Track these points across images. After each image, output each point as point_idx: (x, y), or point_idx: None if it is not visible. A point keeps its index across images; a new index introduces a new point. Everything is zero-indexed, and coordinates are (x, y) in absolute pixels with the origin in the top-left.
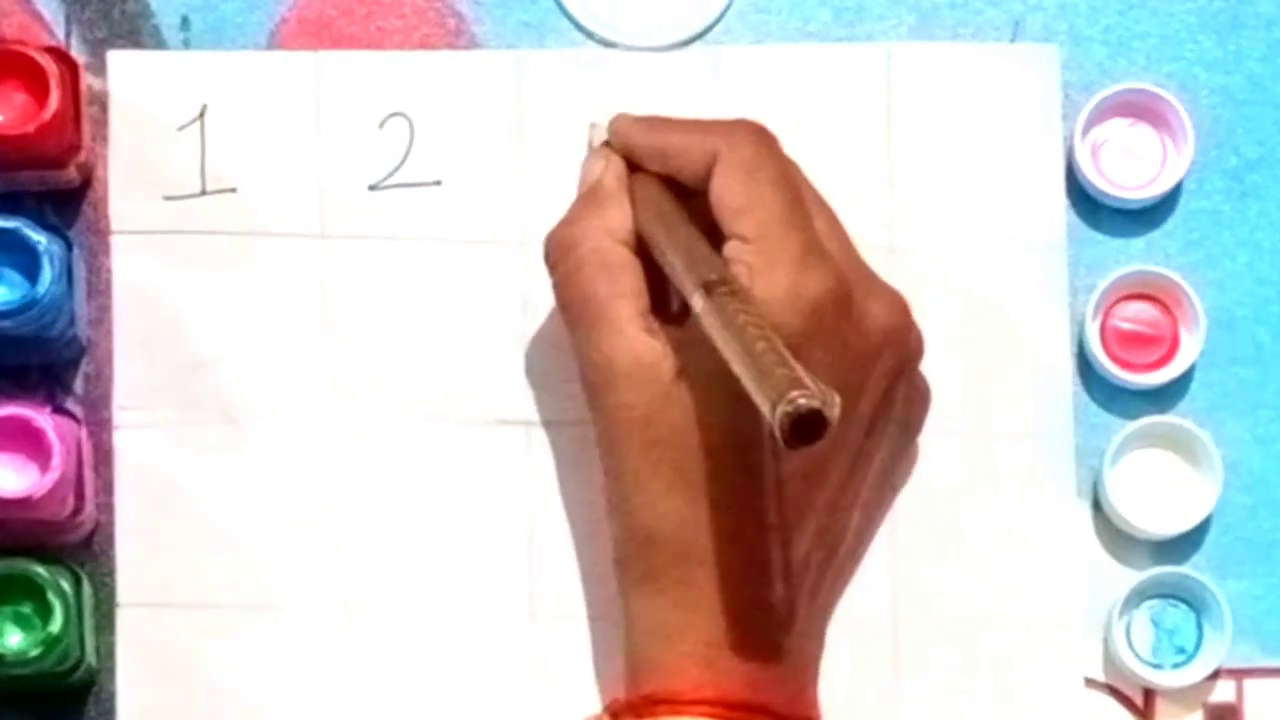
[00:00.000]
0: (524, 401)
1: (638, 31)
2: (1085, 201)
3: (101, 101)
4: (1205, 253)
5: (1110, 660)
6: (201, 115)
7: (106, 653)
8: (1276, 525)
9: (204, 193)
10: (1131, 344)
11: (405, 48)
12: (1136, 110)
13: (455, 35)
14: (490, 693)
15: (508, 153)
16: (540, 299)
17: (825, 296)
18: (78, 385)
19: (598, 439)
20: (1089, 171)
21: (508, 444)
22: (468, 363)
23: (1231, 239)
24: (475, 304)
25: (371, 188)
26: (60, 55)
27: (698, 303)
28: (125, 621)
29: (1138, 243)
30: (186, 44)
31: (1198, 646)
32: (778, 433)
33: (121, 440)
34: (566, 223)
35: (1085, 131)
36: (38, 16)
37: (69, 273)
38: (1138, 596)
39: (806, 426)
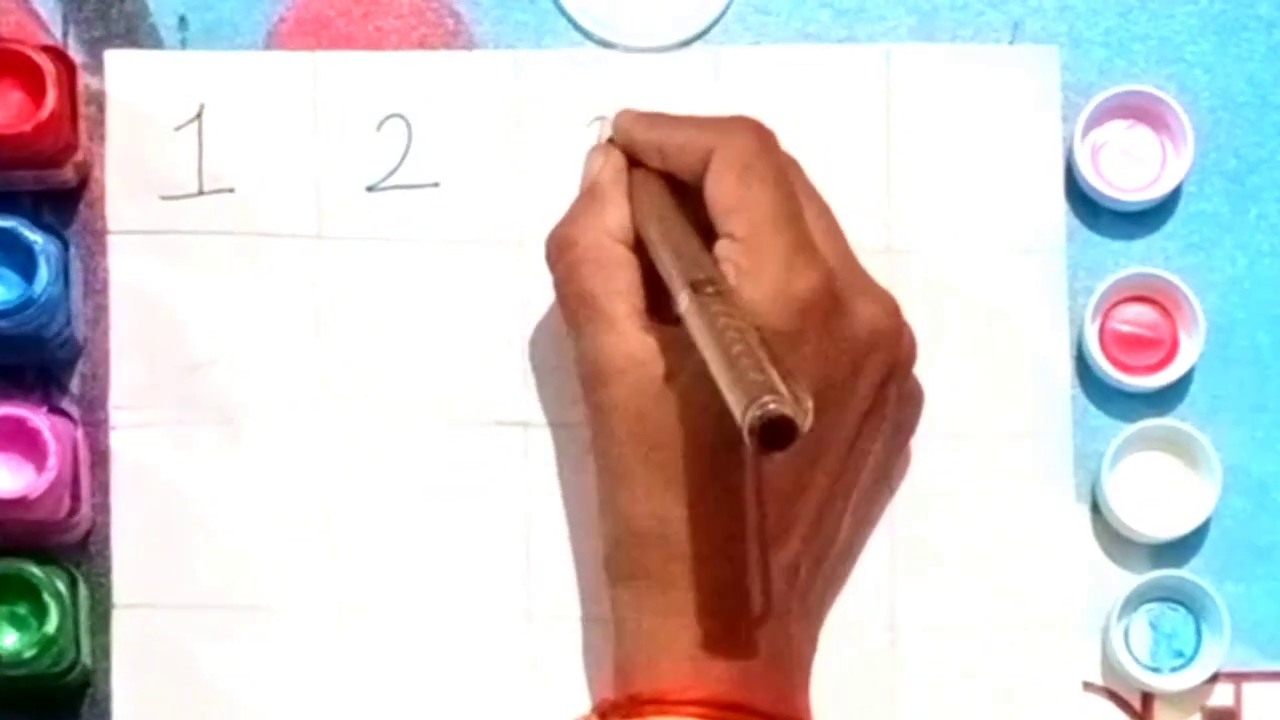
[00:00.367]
0: (521, 402)
1: (637, 32)
2: (1084, 204)
3: (99, 101)
4: (1205, 255)
5: (1108, 664)
6: (199, 115)
7: (102, 653)
8: (1276, 529)
9: (201, 193)
10: (1131, 347)
11: (403, 48)
12: (1136, 112)
13: (453, 35)
14: (485, 693)
15: (506, 154)
16: (538, 300)
17: (812, 296)
18: (74, 385)
19: (591, 435)
20: (1088, 174)
21: (504, 445)
22: (465, 363)
23: (1231, 242)
24: (473, 305)
25: (369, 189)
26: (57, 54)
27: (683, 302)
28: (121, 622)
29: (1137, 245)
30: (184, 44)
31: (1196, 650)
32: (746, 437)
33: (118, 440)
34: (565, 221)
35: (1085, 133)
36: (35, 15)
37: (65, 272)
38: (1136, 600)
39: (777, 432)
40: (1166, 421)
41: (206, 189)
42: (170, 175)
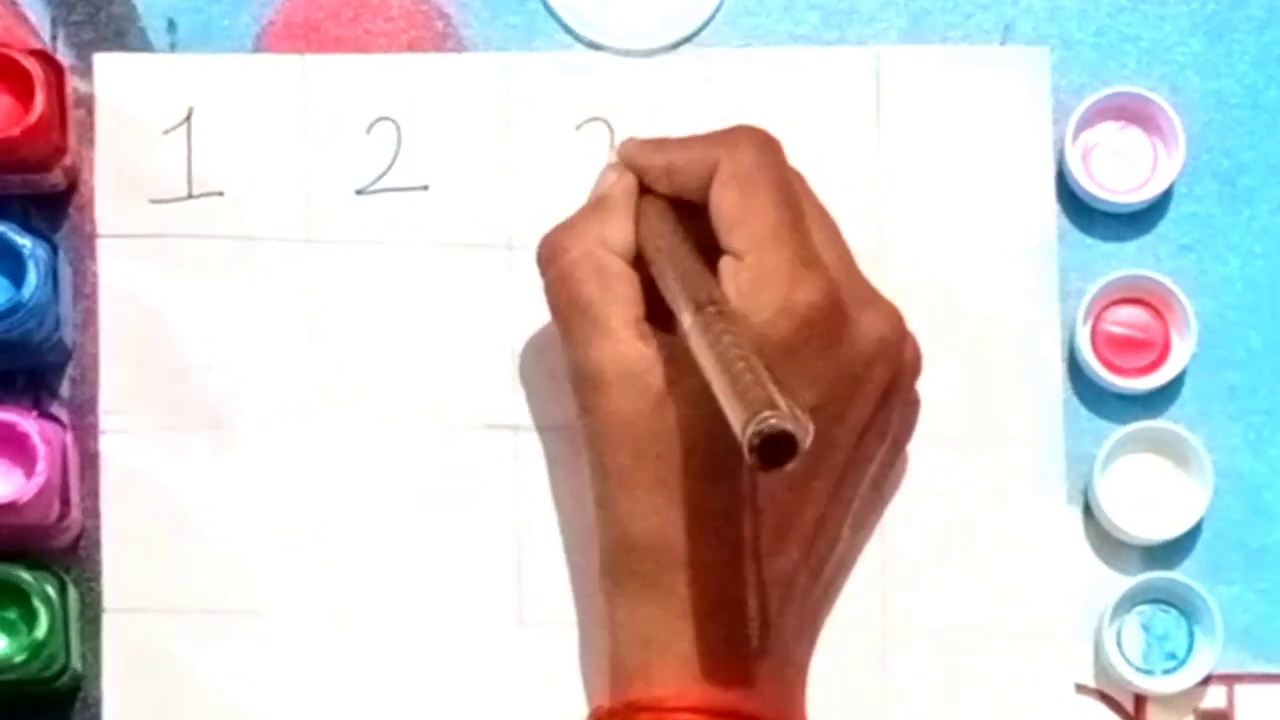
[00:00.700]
0: (512, 406)
1: (626, 34)
2: (1076, 205)
3: (87, 105)
4: (1196, 257)
5: (1101, 666)
6: (188, 119)
7: (92, 658)
8: (1267, 531)
9: (190, 196)
10: (1122, 348)
11: (392, 50)
12: (1127, 114)
13: (443, 38)
14: (478, 698)
15: (495, 156)
16: (528, 303)
17: (815, 308)
18: (63, 389)
19: (585, 442)
20: (1080, 175)
21: (496, 448)
22: (455, 367)
23: (1223, 243)
24: (463, 309)
25: (359, 192)
26: (46, 58)
27: (686, 320)
28: (111, 627)
29: (1129, 247)
30: (173, 47)
31: (1188, 652)
32: (747, 452)
33: (107, 445)
34: (563, 227)
35: (1076, 135)
36: (23, 19)
37: (54, 277)
38: (1128, 602)
39: (777, 448)
40: (1158, 423)
41: (196, 192)
42: (159, 179)
